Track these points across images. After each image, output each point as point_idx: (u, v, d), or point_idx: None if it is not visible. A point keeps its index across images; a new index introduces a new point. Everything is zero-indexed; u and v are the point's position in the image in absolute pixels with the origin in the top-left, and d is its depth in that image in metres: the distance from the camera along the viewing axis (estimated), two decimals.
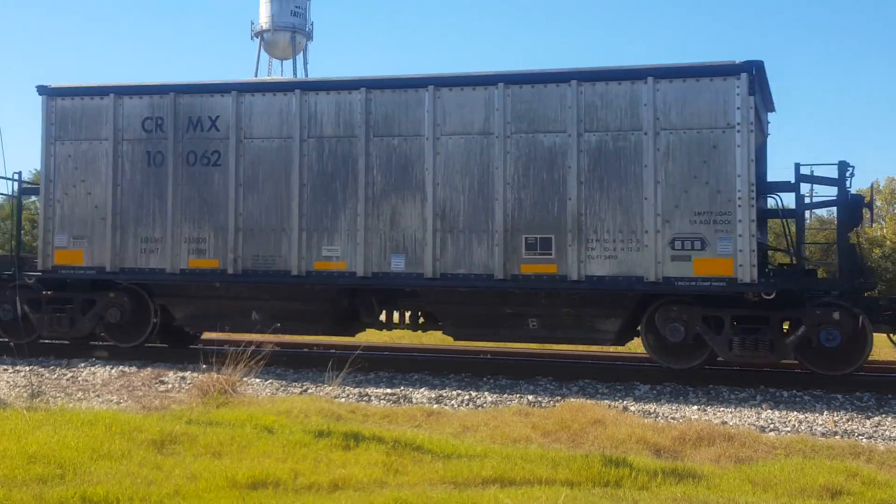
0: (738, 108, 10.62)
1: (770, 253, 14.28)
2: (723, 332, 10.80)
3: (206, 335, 14.88)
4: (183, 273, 12.48)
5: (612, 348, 14.61)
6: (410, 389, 10.85)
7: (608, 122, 11.07)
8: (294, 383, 11.27)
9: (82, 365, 12.41)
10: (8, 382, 11.25)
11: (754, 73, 10.68)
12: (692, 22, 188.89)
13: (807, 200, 11.51)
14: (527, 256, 11.26)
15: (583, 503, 5.71)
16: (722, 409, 9.84)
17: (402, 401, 10.34)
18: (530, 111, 11.34)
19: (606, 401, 10.03)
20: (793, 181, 11.07)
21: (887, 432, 8.91)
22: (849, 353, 10.72)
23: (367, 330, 13.89)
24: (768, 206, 11.87)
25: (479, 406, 10.09)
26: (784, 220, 11.92)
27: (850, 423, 9.26)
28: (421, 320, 12.70)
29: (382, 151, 11.86)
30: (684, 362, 11.18)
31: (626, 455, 7.11)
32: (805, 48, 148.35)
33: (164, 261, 12.52)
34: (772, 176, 12.57)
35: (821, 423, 9.26)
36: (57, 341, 13.63)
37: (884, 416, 9.56)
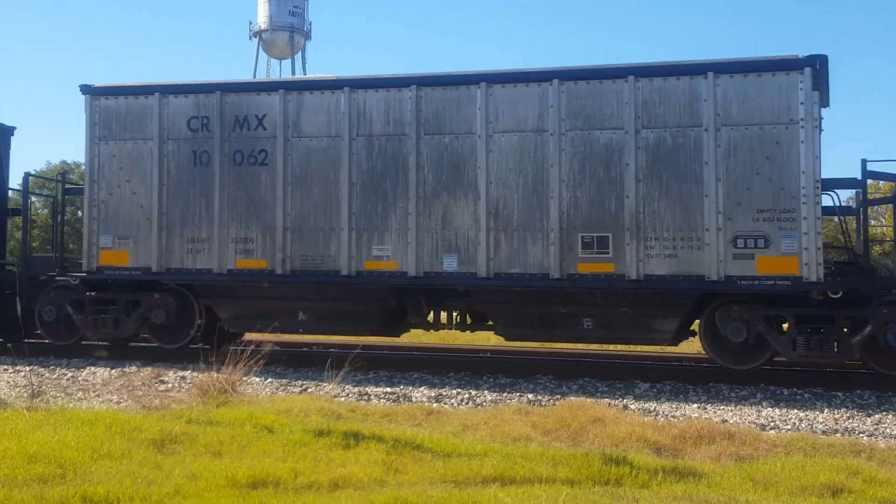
0: (802, 103, 10.40)
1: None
2: (786, 332, 10.58)
3: (247, 335, 14.77)
4: (230, 273, 12.33)
5: (611, 347, 14.59)
6: (410, 388, 10.80)
7: (666, 118, 10.87)
8: (294, 382, 11.20)
9: (82, 365, 12.37)
10: (8, 382, 11.22)
11: (818, 68, 10.46)
12: (692, 21, 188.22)
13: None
14: (583, 255, 11.07)
15: (583, 502, 5.69)
16: (722, 407, 9.76)
17: (401, 400, 10.31)
18: (586, 108, 11.15)
19: (606, 399, 9.97)
20: (859, 177, 10.84)
21: (888, 430, 8.82)
22: None
23: (410, 330, 13.77)
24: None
25: (478, 405, 10.03)
26: (842, 217, 11.70)
27: (850, 420, 9.18)
28: (468, 320, 12.55)
29: (433, 149, 11.69)
30: (744, 363, 10.95)
31: (627, 453, 7.09)
32: (810, 46, 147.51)
33: (211, 261, 12.39)
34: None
35: (821, 420, 9.18)
36: (101, 343, 13.53)
37: (884, 413, 9.46)
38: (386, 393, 10.57)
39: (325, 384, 10.72)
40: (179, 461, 6.53)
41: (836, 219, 11.94)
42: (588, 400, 9.64)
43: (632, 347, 14.78)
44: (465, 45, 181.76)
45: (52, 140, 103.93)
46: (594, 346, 14.29)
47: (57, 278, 13.14)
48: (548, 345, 14.44)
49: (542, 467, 6.47)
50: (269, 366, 11.11)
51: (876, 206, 18.36)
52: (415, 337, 16.20)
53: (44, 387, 10.86)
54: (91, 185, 12.86)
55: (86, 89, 13.01)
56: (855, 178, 10.98)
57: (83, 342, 13.40)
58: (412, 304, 12.26)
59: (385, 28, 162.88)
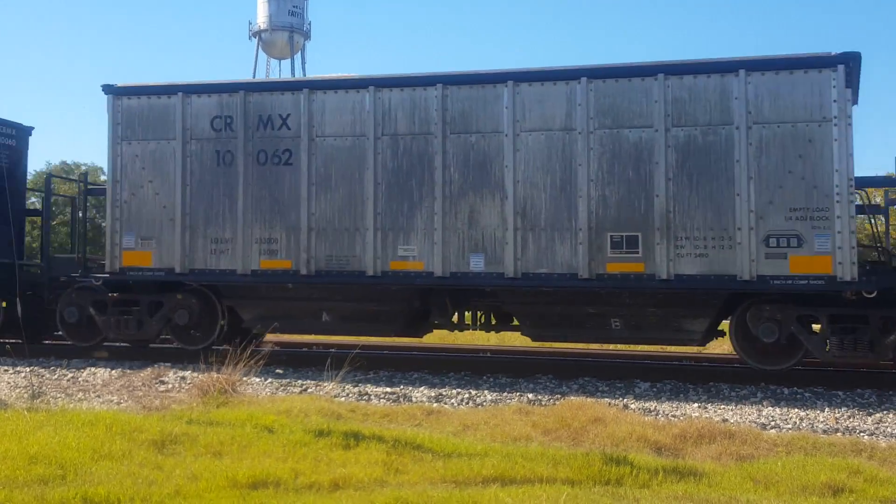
0: (835, 100, 10.29)
1: None
2: (819, 332, 10.46)
3: (267, 336, 14.71)
4: (254, 274, 12.26)
5: (611, 346, 14.59)
6: (410, 388, 10.76)
7: (697, 116, 10.76)
8: (294, 382, 11.16)
9: (82, 365, 12.36)
10: (9, 383, 11.20)
11: (851, 65, 10.34)
12: (692, 21, 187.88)
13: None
14: (612, 255, 10.96)
15: (584, 502, 5.66)
16: (722, 406, 9.72)
17: (401, 400, 10.28)
18: (614, 106, 11.05)
19: (606, 399, 9.94)
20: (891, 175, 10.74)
21: (889, 429, 8.76)
22: None
23: (433, 331, 13.69)
24: None
25: (479, 405, 9.99)
26: (872, 216, 11.58)
27: (851, 419, 9.13)
28: (493, 321, 12.47)
29: (459, 149, 11.59)
30: (776, 363, 10.83)
31: (627, 453, 7.06)
32: (810, 46, 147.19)
33: (235, 262, 12.31)
34: None
35: (822, 420, 9.13)
36: (122, 344, 13.48)
37: (885, 412, 9.40)
38: (386, 393, 10.55)
39: (325, 384, 10.70)
40: (180, 462, 6.52)
41: (866, 217, 11.81)
42: (588, 399, 9.62)
43: (632, 347, 14.88)
44: (465, 45, 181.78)
45: (56, 140, 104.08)
46: (594, 346, 14.42)
47: (79, 279, 13.07)
48: (548, 344, 14.48)
49: (542, 467, 6.46)
50: (269, 366, 11.06)
51: None
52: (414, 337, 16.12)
53: (44, 387, 10.84)
54: (114, 186, 12.79)
55: (108, 89, 12.94)
56: (891, 177, 10.85)
57: (103, 343, 13.34)
58: (437, 305, 12.17)
59: (384, 28, 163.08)
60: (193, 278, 12.51)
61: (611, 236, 10.97)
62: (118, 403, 9.98)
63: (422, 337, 13.49)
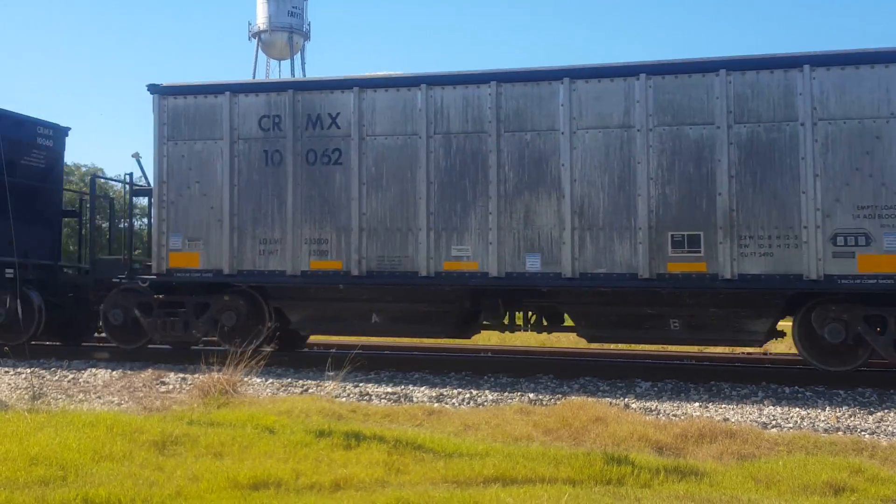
0: None
1: None
2: (886, 333, 10.27)
3: (311, 338, 14.60)
4: (304, 275, 12.10)
5: (612, 346, 14.52)
6: (411, 388, 10.70)
7: (760, 112, 10.57)
8: (295, 383, 11.10)
9: (83, 366, 12.32)
10: (9, 384, 11.14)
11: None
12: (693, 21, 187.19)
13: None
14: (673, 254, 10.78)
15: (585, 501, 5.64)
16: (723, 405, 9.64)
17: (402, 400, 10.23)
18: (674, 102, 10.86)
19: (607, 398, 9.89)
20: None
21: (890, 428, 8.69)
22: None
23: (481, 332, 13.54)
24: None
25: (480, 404, 9.93)
26: None
27: (852, 418, 9.07)
28: (544, 322, 12.30)
29: (514, 147, 11.42)
30: (841, 364, 10.63)
31: (628, 453, 7.04)
32: (810, 46, 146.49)
33: (284, 262, 12.15)
34: None
35: (823, 419, 9.06)
36: (163, 346, 13.35)
37: (886, 411, 9.30)
38: (387, 393, 10.50)
39: (326, 384, 10.68)
40: (181, 462, 6.50)
41: None
42: (589, 399, 9.57)
43: (632, 347, 14.88)
44: (465, 45, 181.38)
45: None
46: (594, 346, 14.49)
47: (124, 281, 12.94)
48: (548, 344, 14.48)
49: (543, 467, 6.44)
50: (269, 366, 11.03)
51: None
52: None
53: (45, 388, 10.80)
54: (160, 187, 12.65)
55: (154, 88, 12.81)
56: None
57: (147, 345, 13.21)
58: (489, 306, 12.00)
59: (384, 28, 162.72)
60: (242, 280, 12.36)
61: (672, 235, 10.78)
62: (119, 404, 9.94)
63: (469, 338, 13.34)
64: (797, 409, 9.48)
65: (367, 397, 10.37)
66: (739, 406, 9.62)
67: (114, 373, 11.84)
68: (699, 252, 10.68)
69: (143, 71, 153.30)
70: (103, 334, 14.07)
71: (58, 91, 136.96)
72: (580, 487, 5.98)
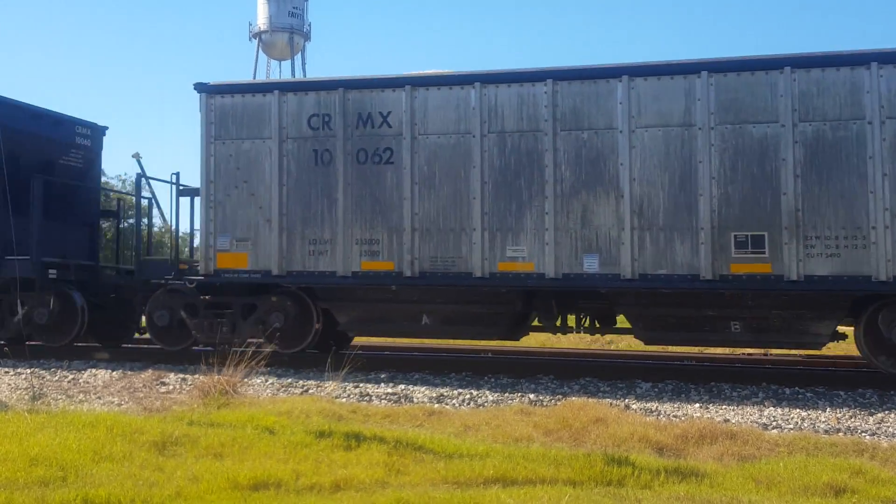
0: None
1: None
2: None
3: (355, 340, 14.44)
4: (355, 276, 11.94)
5: (612, 346, 14.42)
6: (411, 389, 10.66)
7: (825, 111, 10.38)
8: (295, 383, 11.06)
9: (83, 367, 12.30)
10: (9, 385, 11.11)
11: None
12: (693, 21, 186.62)
13: None
14: (737, 255, 10.59)
15: (586, 503, 5.63)
16: (724, 406, 9.61)
17: (403, 400, 10.20)
18: (737, 101, 10.67)
19: (608, 399, 9.85)
20: None
21: (890, 429, 8.64)
22: None
23: (530, 333, 13.39)
24: None
25: (480, 405, 9.90)
26: None
27: (853, 419, 9.02)
28: (597, 324, 12.13)
29: (571, 146, 11.24)
30: None
31: (629, 454, 7.02)
32: (812, 46, 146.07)
33: (335, 263, 11.99)
34: None
35: (824, 420, 9.01)
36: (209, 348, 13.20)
37: (886, 412, 9.24)
38: (387, 394, 10.45)
39: (326, 385, 10.67)
40: (181, 463, 6.49)
41: None
42: (590, 400, 9.55)
43: (633, 347, 14.88)
44: (465, 45, 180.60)
45: None
46: (595, 346, 14.49)
47: (171, 282, 12.80)
48: (549, 344, 14.45)
49: (543, 468, 6.43)
50: (269, 366, 11.00)
51: None
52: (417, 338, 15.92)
53: (45, 389, 10.77)
54: (207, 186, 12.50)
55: (201, 87, 12.65)
56: None
57: (192, 347, 13.06)
58: (542, 307, 11.83)
59: (384, 29, 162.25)
60: (291, 280, 12.20)
61: (735, 236, 10.60)
62: (119, 405, 9.91)
63: (518, 340, 13.17)
64: (798, 410, 9.42)
65: (367, 398, 10.34)
66: (740, 407, 9.58)
67: (114, 373, 11.82)
68: (763, 253, 10.50)
69: (143, 71, 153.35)
70: (145, 335, 13.97)
71: (57, 90, 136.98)
72: (581, 488, 5.98)
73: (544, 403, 9.83)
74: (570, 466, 6.46)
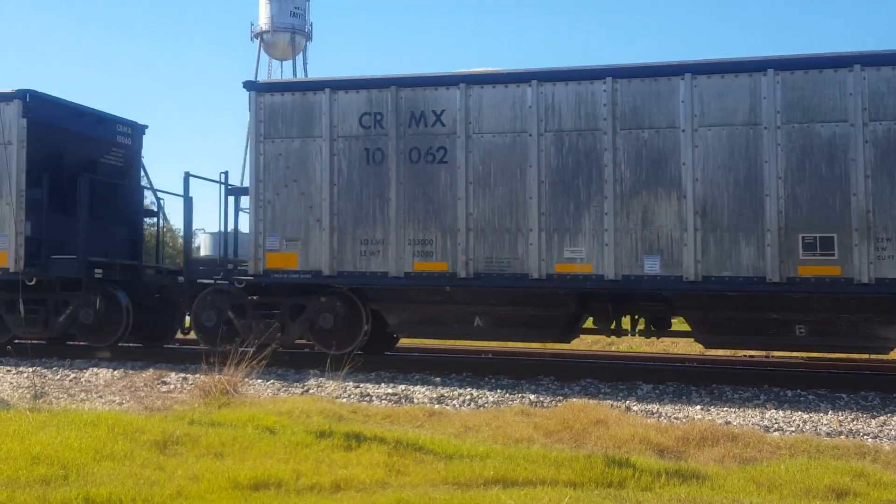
0: None
1: None
2: None
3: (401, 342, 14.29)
4: (408, 276, 11.74)
5: (612, 347, 14.26)
6: (412, 389, 10.63)
7: None
8: (295, 383, 11.06)
9: (84, 366, 12.28)
10: (11, 383, 11.08)
11: None
12: (693, 21, 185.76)
13: None
14: (804, 257, 10.34)
15: None
16: (725, 408, 9.59)
17: (403, 401, 10.19)
18: (804, 99, 10.43)
19: (609, 400, 9.85)
20: None
21: (893, 432, 8.62)
22: None
23: (580, 336, 13.18)
24: None
25: (480, 406, 9.89)
26: None
27: (855, 422, 8.99)
28: (652, 327, 11.90)
29: (631, 145, 11.02)
30: None
31: (629, 455, 7.02)
32: (811, 47, 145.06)
33: (387, 264, 11.80)
34: None
35: (825, 422, 9.00)
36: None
37: (889, 415, 9.22)
38: (388, 394, 10.41)
39: (327, 385, 10.65)
40: (181, 462, 6.50)
41: None
42: (590, 401, 9.53)
43: (634, 347, 14.81)
44: (466, 45, 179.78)
45: None
46: (596, 347, 14.46)
47: (220, 282, 12.64)
48: (549, 345, 14.35)
49: (544, 469, 6.43)
50: (270, 366, 10.94)
51: None
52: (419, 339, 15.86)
53: (46, 388, 10.74)
54: (256, 185, 12.32)
55: (250, 85, 12.50)
56: None
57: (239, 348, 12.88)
58: (598, 310, 11.61)
59: (385, 29, 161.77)
60: (342, 281, 12.02)
61: (803, 237, 10.35)
62: (120, 404, 9.88)
63: (569, 343, 12.97)
64: (799, 412, 9.36)
65: (367, 398, 10.29)
66: (741, 409, 9.52)
67: (115, 372, 11.78)
68: (833, 255, 10.25)
69: (142, 72, 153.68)
70: (187, 336, 13.83)
71: (57, 89, 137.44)
72: (581, 490, 5.96)
73: (545, 405, 9.80)
74: (571, 468, 6.46)
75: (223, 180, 13.03)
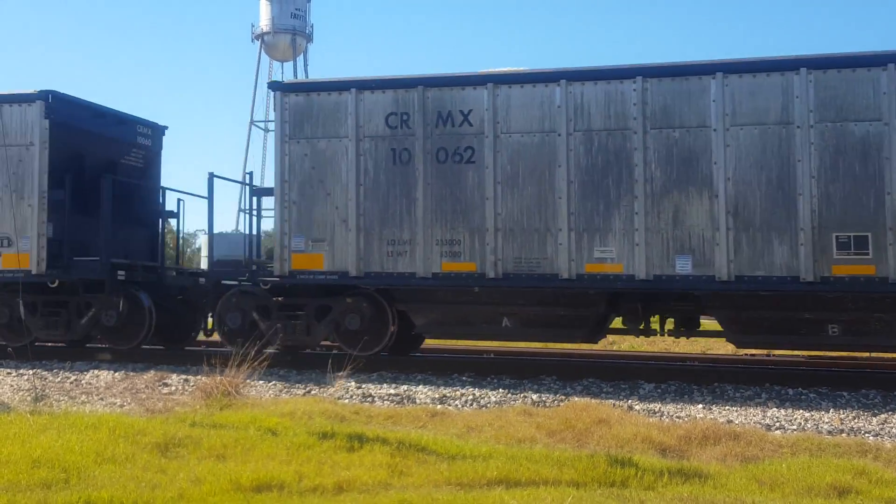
0: None
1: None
2: None
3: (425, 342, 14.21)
4: (435, 277, 11.68)
5: (614, 346, 14.28)
6: (414, 390, 10.63)
7: None
8: (297, 384, 11.05)
9: (85, 368, 12.26)
10: (11, 386, 11.04)
11: None
12: (693, 21, 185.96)
13: None
14: (839, 256, 10.30)
15: None
16: (727, 407, 9.61)
17: (405, 401, 10.19)
18: (837, 98, 10.39)
19: (611, 400, 9.87)
20: None
21: (894, 430, 8.64)
22: None
23: (607, 336, 13.12)
24: None
25: (483, 406, 9.89)
26: None
27: (856, 420, 9.01)
28: (681, 327, 11.84)
29: (661, 144, 10.97)
30: None
31: (632, 455, 7.04)
32: (811, 47, 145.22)
33: (414, 264, 11.74)
34: None
35: (827, 420, 9.02)
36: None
37: (890, 413, 9.23)
38: (390, 394, 10.40)
39: (328, 386, 10.59)
40: (183, 465, 6.48)
41: None
42: (593, 401, 9.55)
43: (635, 347, 14.80)
44: (466, 46, 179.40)
45: None
46: (598, 347, 14.41)
47: (245, 283, 12.58)
48: (551, 345, 14.42)
49: (547, 469, 6.43)
50: (272, 368, 10.89)
51: None
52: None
53: (47, 390, 10.69)
54: (281, 186, 12.26)
55: (275, 85, 12.47)
56: None
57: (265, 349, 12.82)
58: (628, 310, 11.56)
59: (386, 30, 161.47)
60: (370, 282, 11.95)
61: (836, 237, 10.30)
62: (121, 406, 9.86)
63: (597, 343, 12.91)
64: (801, 410, 9.37)
65: (369, 399, 10.28)
66: (743, 408, 9.53)
67: (116, 374, 11.75)
68: (867, 254, 10.20)
69: (142, 73, 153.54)
70: (210, 337, 13.76)
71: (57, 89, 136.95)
72: (584, 490, 5.96)
73: (547, 404, 9.80)
74: (574, 467, 6.46)
75: (247, 181, 12.96)
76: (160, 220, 15.33)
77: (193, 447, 6.97)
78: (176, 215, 15.59)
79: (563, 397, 10.08)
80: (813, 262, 10.33)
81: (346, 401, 10.05)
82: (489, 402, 10.00)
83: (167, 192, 15.06)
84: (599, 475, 6.29)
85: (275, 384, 11.00)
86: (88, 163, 13.82)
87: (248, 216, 12.85)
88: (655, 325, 11.89)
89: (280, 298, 12.45)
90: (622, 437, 7.77)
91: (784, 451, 7.45)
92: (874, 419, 9.02)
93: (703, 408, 9.54)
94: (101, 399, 10.31)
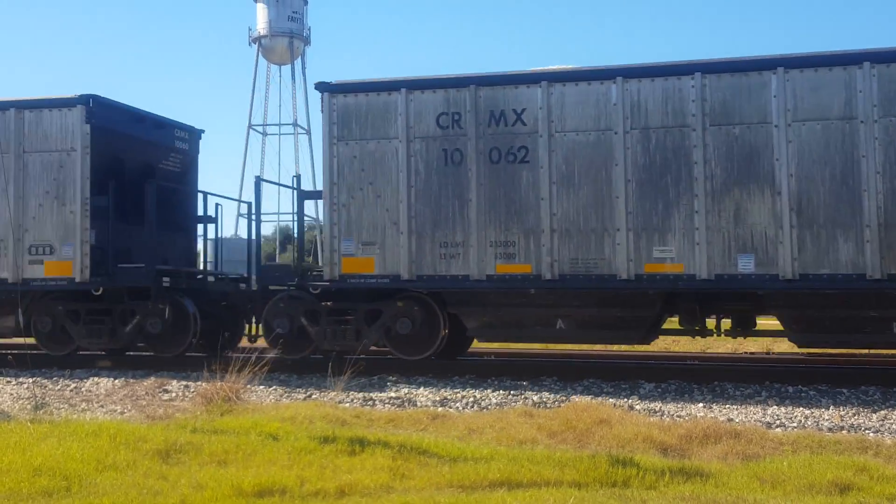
0: None
1: None
2: None
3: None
4: (490, 279, 11.53)
5: (614, 347, 14.39)
6: (415, 392, 10.63)
7: None
8: (298, 389, 11.02)
9: (85, 375, 12.20)
10: (11, 394, 10.98)
11: None
12: (693, 21, 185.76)
13: None
14: None
15: None
16: (728, 406, 9.62)
17: (406, 404, 10.17)
18: None
19: (611, 400, 9.87)
20: None
21: (894, 426, 8.63)
22: None
23: (659, 337, 12.97)
24: None
25: (484, 408, 9.87)
26: None
27: (856, 417, 9.02)
28: (738, 328, 11.68)
29: (721, 141, 10.81)
30: None
31: (633, 454, 7.04)
32: (812, 46, 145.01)
33: (468, 267, 11.58)
34: None
35: (827, 417, 9.02)
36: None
37: (890, 409, 9.23)
38: (390, 398, 10.40)
39: (329, 390, 10.52)
40: (185, 471, 6.47)
41: None
42: (593, 401, 9.55)
43: (636, 347, 14.64)
44: (466, 48, 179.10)
45: None
46: (598, 347, 14.35)
47: (293, 288, 12.41)
48: (552, 346, 14.44)
49: (548, 470, 6.44)
50: (272, 372, 10.84)
51: None
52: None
53: (47, 398, 10.63)
54: (330, 189, 12.11)
55: (322, 86, 12.28)
56: None
57: (313, 355, 12.66)
58: (686, 310, 11.39)
59: (384, 32, 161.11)
60: (422, 285, 11.80)
61: None
62: (122, 413, 9.81)
63: (649, 344, 12.75)
64: (801, 408, 9.37)
65: (370, 402, 10.23)
66: (743, 406, 9.54)
67: (116, 381, 11.69)
68: None
69: (140, 74, 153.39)
70: (254, 343, 13.59)
71: (57, 90, 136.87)
72: (585, 490, 5.96)
73: (548, 405, 9.79)
74: (575, 468, 6.46)
75: (296, 185, 12.80)
76: (198, 225, 15.18)
77: (195, 453, 6.96)
78: (214, 220, 15.45)
79: (564, 398, 10.05)
80: (879, 259, 10.18)
81: (347, 404, 10.01)
82: (490, 404, 9.97)
83: (207, 196, 14.89)
84: (601, 475, 6.29)
85: (275, 389, 10.93)
86: (128, 168, 13.68)
87: (295, 220, 12.67)
88: (711, 326, 11.74)
89: (329, 303, 12.30)
90: (623, 437, 7.77)
91: (785, 449, 7.44)
92: (874, 416, 8.99)
93: (704, 407, 9.52)
94: (102, 406, 10.25)
